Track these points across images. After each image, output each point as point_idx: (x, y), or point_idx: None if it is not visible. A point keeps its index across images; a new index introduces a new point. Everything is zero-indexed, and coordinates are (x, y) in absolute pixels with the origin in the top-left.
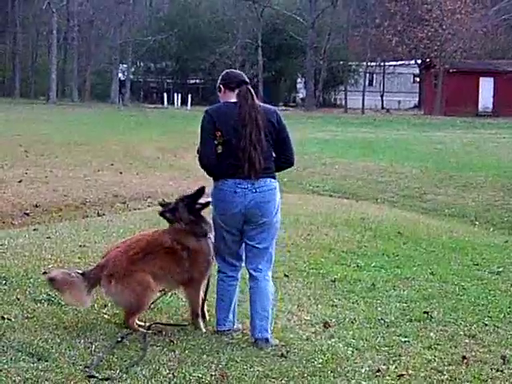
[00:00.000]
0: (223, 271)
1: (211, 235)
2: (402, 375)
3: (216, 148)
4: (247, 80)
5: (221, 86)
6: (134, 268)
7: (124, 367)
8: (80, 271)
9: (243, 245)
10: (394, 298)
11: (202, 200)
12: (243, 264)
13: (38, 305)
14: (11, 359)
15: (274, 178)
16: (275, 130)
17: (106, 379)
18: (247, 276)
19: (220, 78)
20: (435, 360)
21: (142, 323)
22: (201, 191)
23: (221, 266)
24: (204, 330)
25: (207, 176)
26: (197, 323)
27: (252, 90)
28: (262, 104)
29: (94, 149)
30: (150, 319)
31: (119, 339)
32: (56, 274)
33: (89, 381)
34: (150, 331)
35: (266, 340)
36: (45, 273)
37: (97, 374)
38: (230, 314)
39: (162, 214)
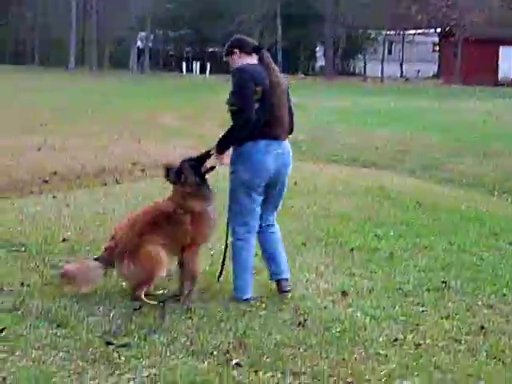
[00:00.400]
0: (241, 237)
1: (211, 204)
2: (420, 345)
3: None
4: (261, 46)
5: (236, 50)
6: (143, 241)
7: (142, 334)
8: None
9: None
10: (411, 268)
11: (208, 164)
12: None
13: (57, 272)
14: (30, 325)
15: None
16: (288, 97)
17: (124, 345)
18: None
19: (231, 43)
20: (453, 330)
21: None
22: (207, 154)
23: (240, 232)
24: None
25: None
26: (191, 289)
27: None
28: None
29: (112, 117)
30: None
31: (137, 307)
32: (70, 267)
33: (107, 347)
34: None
35: (287, 279)
36: (64, 240)
37: (115, 341)
38: (250, 281)
39: (166, 176)
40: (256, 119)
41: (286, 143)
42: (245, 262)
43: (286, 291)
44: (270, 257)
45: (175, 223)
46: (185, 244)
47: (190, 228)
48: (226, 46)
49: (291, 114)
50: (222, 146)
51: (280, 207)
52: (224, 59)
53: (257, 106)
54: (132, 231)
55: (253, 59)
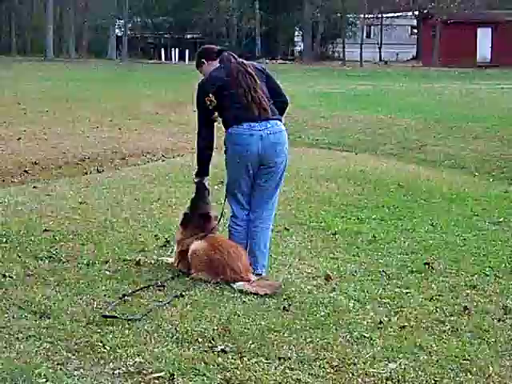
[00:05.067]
0: (237, 215)
1: None
2: (404, 327)
3: (213, 112)
4: (224, 48)
5: (203, 60)
6: None
7: (126, 323)
8: None
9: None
10: (394, 250)
11: None
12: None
13: (39, 262)
14: (13, 317)
15: (280, 120)
16: (265, 76)
17: (108, 334)
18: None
19: (198, 55)
20: (437, 311)
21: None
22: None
23: (235, 210)
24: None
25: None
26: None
27: (232, 53)
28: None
29: (92, 105)
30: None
31: (121, 296)
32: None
33: (91, 337)
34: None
35: (260, 275)
36: (45, 230)
37: (99, 330)
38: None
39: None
40: (229, 113)
41: (274, 122)
42: (237, 240)
43: None
44: (248, 249)
45: None
46: None
47: None
48: (196, 60)
49: (278, 93)
50: (198, 170)
51: (274, 204)
52: (197, 70)
53: (216, 114)
54: None
55: (217, 63)
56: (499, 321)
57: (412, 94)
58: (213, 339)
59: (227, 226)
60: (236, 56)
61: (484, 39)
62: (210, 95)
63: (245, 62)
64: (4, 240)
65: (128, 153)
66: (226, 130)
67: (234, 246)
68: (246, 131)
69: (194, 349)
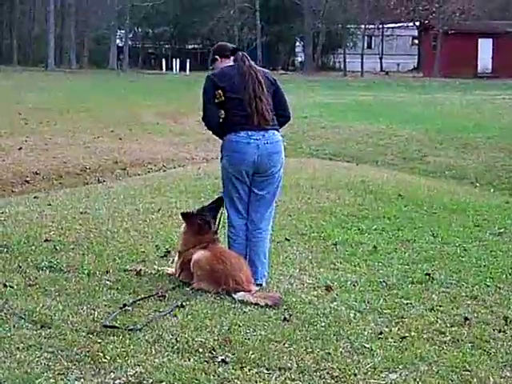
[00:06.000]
0: (235, 225)
1: None
2: (405, 337)
3: (219, 109)
4: (239, 48)
5: (216, 56)
6: None
7: (127, 333)
8: None
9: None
10: (395, 261)
11: None
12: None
13: (40, 272)
14: (14, 326)
15: (278, 131)
16: (273, 86)
17: (109, 344)
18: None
19: (213, 52)
20: (437, 322)
21: None
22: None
23: (233, 219)
24: None
25: (215, 137)
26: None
27: (247, 55)
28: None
29: (93, 115)
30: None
31: (121, 306)
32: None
33: (92, 346)
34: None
35: (261, 285)
36: (46, 240)
37: (99, 340)
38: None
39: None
40: (228, 119)
41: (271, 132)
42: (237, 250)
43: None
44: (248, 259)
45: None
46: None
47: None
48: (210, 56)
49: (282, 107)
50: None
51: (272, 213)
52: (210, 67)
53: (222, 112)
54: None
55: (231, 61)
56: (500, 331)
57: (413, 104)
58: (213, 349)
59: (226, 236)
60: (249, 58)
61: (485, 50)
62: (220, 91)
63: (257, 67)
64: (5, 250)
65: (129, 163)
66: (223, 137)
67: (235, 257)
68: (243, 139)
69: (194, 359)
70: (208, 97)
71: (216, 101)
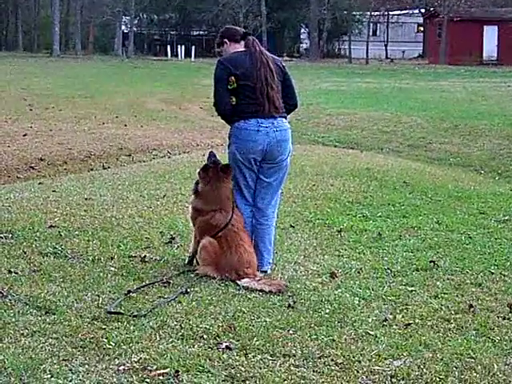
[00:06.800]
0: (241, 211)
1: None
2: (409, 324)
3: (230, 95)
4: (250, 32)
5: (226, 40)
6: None
7: (131, 319)
8: None
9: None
10: (400, 248)
11: None
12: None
13: (45, 258)
14: (19, 312)
15: (286, 118)
16: (282, 73)
17: (113, 330)
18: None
19: (221, 34)
20: (442, 309)
21: None
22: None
23: (239, 206)
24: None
25: (224, 122)
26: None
27: (257, 41)
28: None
29: (98, 102)
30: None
31: (126, 292)
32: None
33: (96, 333)
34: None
35: (266, 272)
36: (51, 226)
37: (104, 326)
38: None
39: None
40: (239, 105)
41: (280, 120)
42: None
43: None
44: (254, 246)
45: None
46: None
47: None
48: (217, 38)
49: (290, 94)
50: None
51: (277, 200)
52: (216, 50)
53: (234, 99)
54: None
55: (241, 46)
56: (504, 319)
57: (418, 91)
58: (218, 336)
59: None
60: (259, 44)
61: (490, 37)
62: (233, 77)
63: (267, 53)
64: (10, 236)
65: (134, 149)
66: (232, 124)
67: (241, 245)
68: (253, 127)
69: (198, 345)
70: (221, 83)
71: (229, 87)
